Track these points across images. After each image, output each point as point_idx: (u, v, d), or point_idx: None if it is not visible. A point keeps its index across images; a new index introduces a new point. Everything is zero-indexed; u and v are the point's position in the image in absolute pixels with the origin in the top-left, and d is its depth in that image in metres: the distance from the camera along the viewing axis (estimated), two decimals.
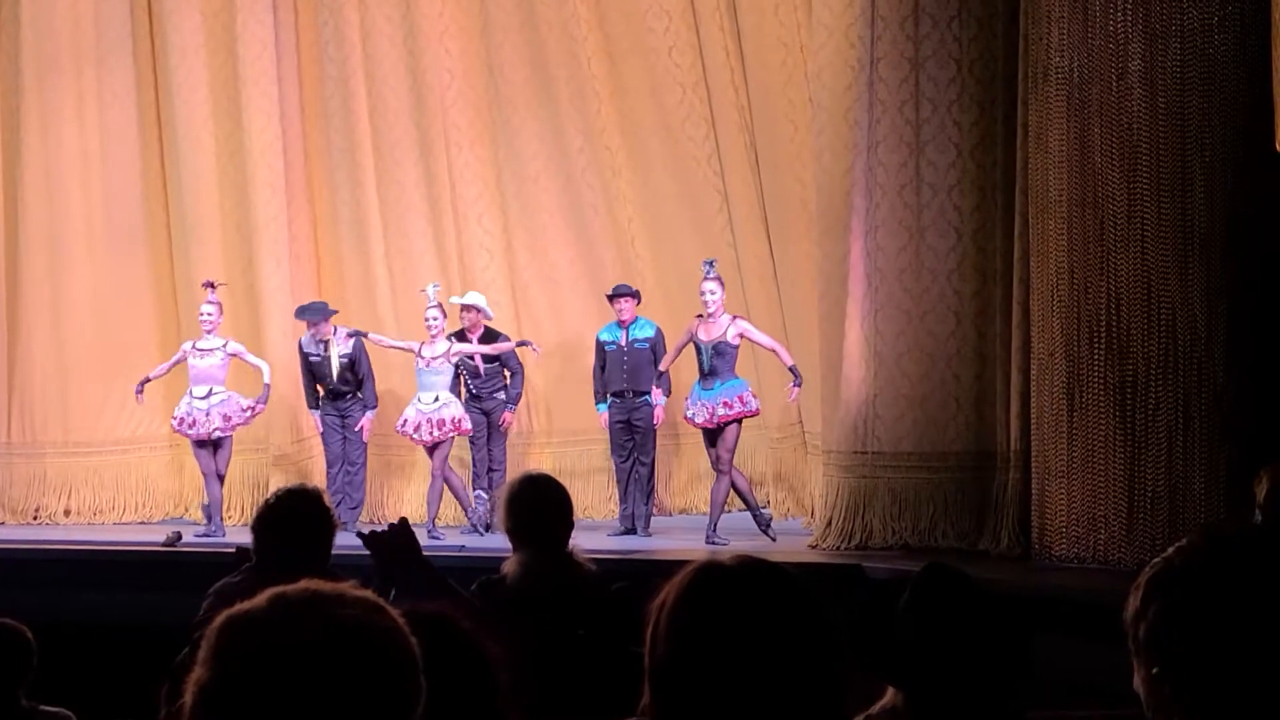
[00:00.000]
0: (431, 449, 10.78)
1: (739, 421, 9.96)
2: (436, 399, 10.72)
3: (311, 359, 11.13)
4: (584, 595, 4.53)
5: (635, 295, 10.69)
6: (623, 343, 10.57)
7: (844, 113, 9.44)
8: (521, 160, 11.81)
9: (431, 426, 10.69)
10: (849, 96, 9.41)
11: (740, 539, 9.80)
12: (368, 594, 1.70)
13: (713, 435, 9.99)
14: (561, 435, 11.84)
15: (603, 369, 10.65)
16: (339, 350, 11.02)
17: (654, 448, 10.68)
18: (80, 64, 12.27)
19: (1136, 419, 8.21)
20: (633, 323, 10.61)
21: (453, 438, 10.82)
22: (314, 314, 11.10)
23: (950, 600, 3.38)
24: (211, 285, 11.09)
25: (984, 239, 9.21)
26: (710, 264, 10.13)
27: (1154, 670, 1.76)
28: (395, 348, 11.10)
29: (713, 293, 9.96)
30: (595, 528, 10.54)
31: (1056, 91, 8.45)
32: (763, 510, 10.26)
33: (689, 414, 10.10)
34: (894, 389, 9.26)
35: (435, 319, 10.78)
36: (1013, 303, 8.93)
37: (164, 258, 12.31)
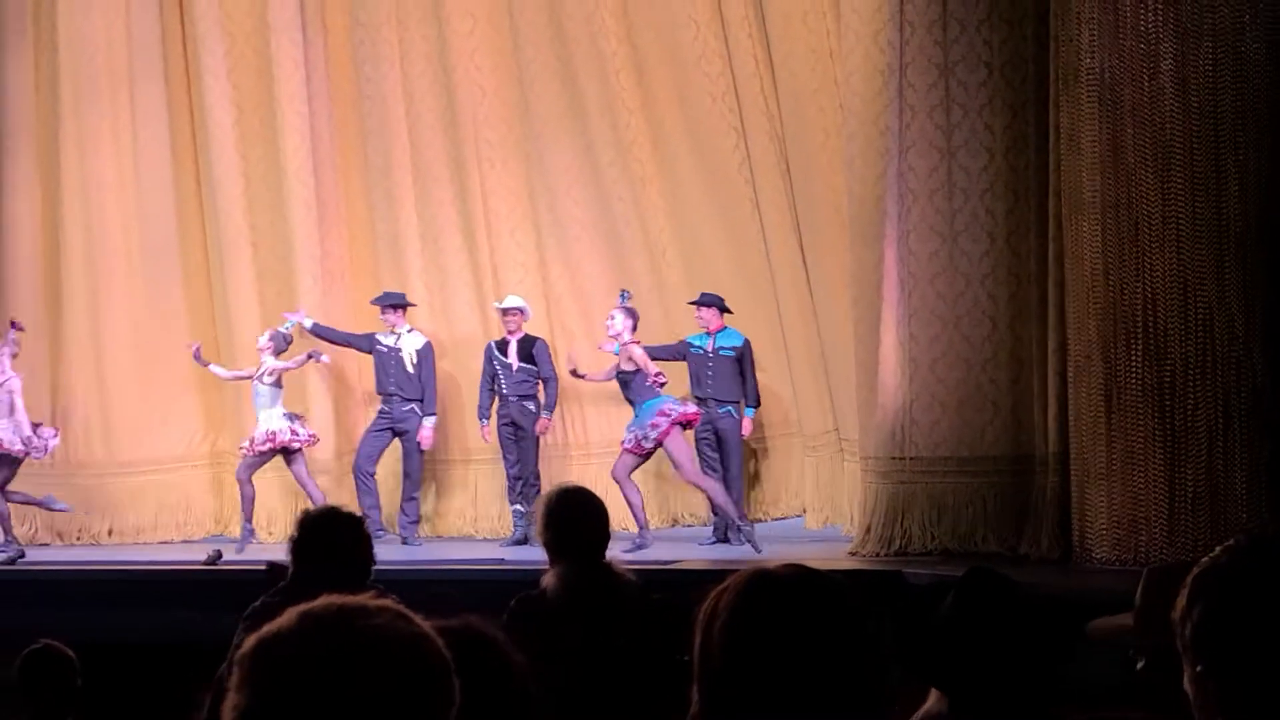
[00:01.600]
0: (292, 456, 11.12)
1: (677, 430, 10.23)
2: (265, 416, 11.07)
3: (379, 348, 11.26)
4: (624, 606, 4.53)
5: (715, 304, 10.70)
6: (709, 349, 10.62)
7: (874, 118, 9.42)
8: (553, 174, 11.83)
9: (265, 439, 11.02)
10: (879, 102, 9.39)
11: (775, 546, 9.78)
12: (391, 602, 1.71)
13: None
14: (600, 447, 11.83)
15: (690, 373, 10.74)
16: (412, 344, 11.21)
17: (740, 458, 10.70)
18: (115, 87, 12.36)
19: (1176, 419, 8.17)
20: (719, 331, 10.66)
21: (291, 450, 11.11)
22: (390, 299, 11.31)
23: (994, 604, 3.38)
24: (15, 326, 11.26)
25: (1018, 242, 9.18)
26: (621, 294, 10.62)
27: (1199, 668, 1.76)
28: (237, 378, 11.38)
29: (610, 318, 10.51)
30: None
31: (1088, 93, 8.42)
32: (740, 521, 10.23)
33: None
34: (930, 394, 9.23)
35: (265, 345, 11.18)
36: (1048, 305, 8.90)
37: (200, 278, 12.39)
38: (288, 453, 11.16)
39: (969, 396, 9.20)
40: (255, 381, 11.17)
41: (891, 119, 9.27)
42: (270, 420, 11.07)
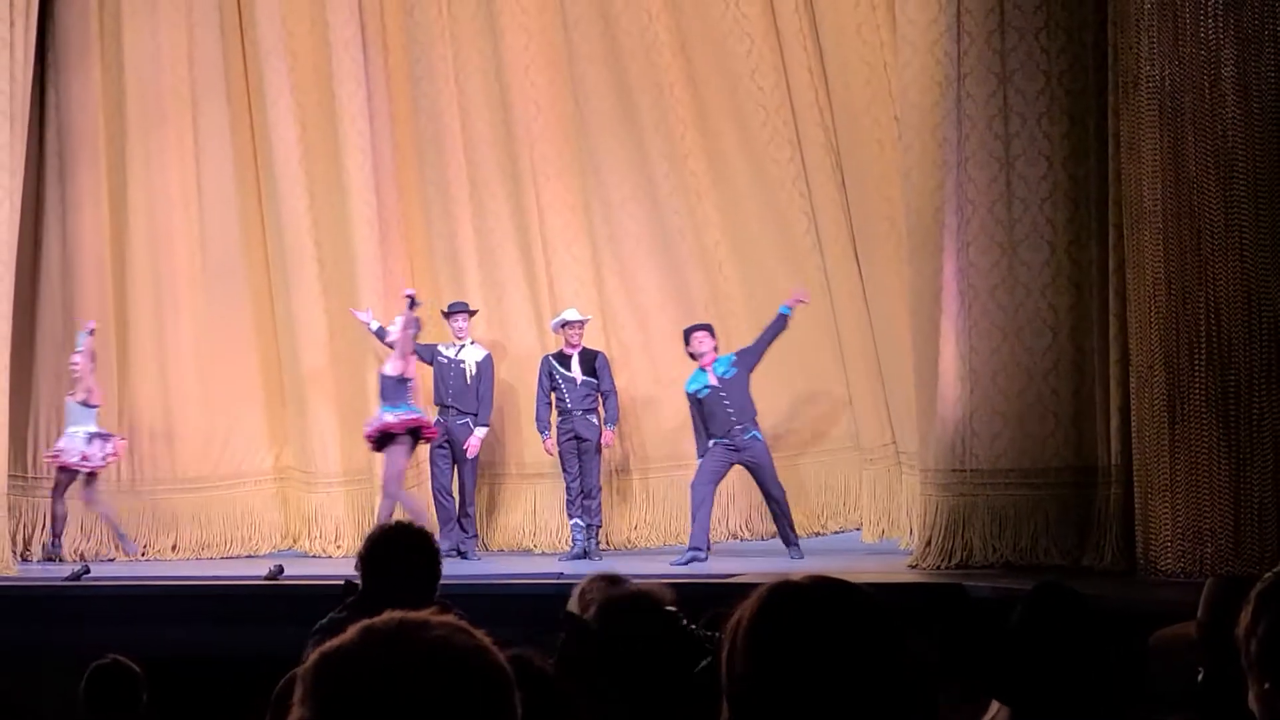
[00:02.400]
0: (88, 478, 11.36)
1: (405, 441, 10.98)
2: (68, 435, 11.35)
3: (440, 358, 11.36)
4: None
5: (706, 329, 10.76)
6: (715, 383, 10.53)
7: (932, 130, 9.39)
8: (608, 188, 11.86)
9: (91, 454, 11.26)
10: (936, 113, 9.35)
11: (832, 559, 9.73)
12: (452, 617, 1.73)
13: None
14: (657, 461, 11.83)
15: (705, 419, 10.56)
16: (473, 356, 11.36)
17: (776, 480, 10.54)
18: (180, 105, 12.52)
19: (1240, 429, 8.07)
20: (715, 362, 10.59)
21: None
22: (459, 306, 11.47)
23: (1063, 619, 3.36)
24: None
25: (1078, 251, 9.11)
26: (410, 301, 11.17)
27: (1266, 686, 1.73)
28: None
29: (392, 323, 11.23)
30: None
31: (1148, 101, 8.35)
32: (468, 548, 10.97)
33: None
34: (990, 405, 9.17)
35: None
36: (1109, 315, 8.82)
37: (264, 295, 12.50)
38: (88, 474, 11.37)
39: (1030, 408, 9.13)
40: (68, 398, 11.46)
41: (949, 130, 9.23)
42: (68, 439, 11.34)
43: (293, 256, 12.23)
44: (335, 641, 1.69)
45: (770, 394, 11.34)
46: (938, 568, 9.12)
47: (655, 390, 11.82)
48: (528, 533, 11.94)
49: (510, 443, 11.96)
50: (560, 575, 9.78)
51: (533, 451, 11.71)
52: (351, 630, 1.70)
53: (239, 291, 12.49)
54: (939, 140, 9.33)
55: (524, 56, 11.93)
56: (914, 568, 9.29)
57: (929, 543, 9.27)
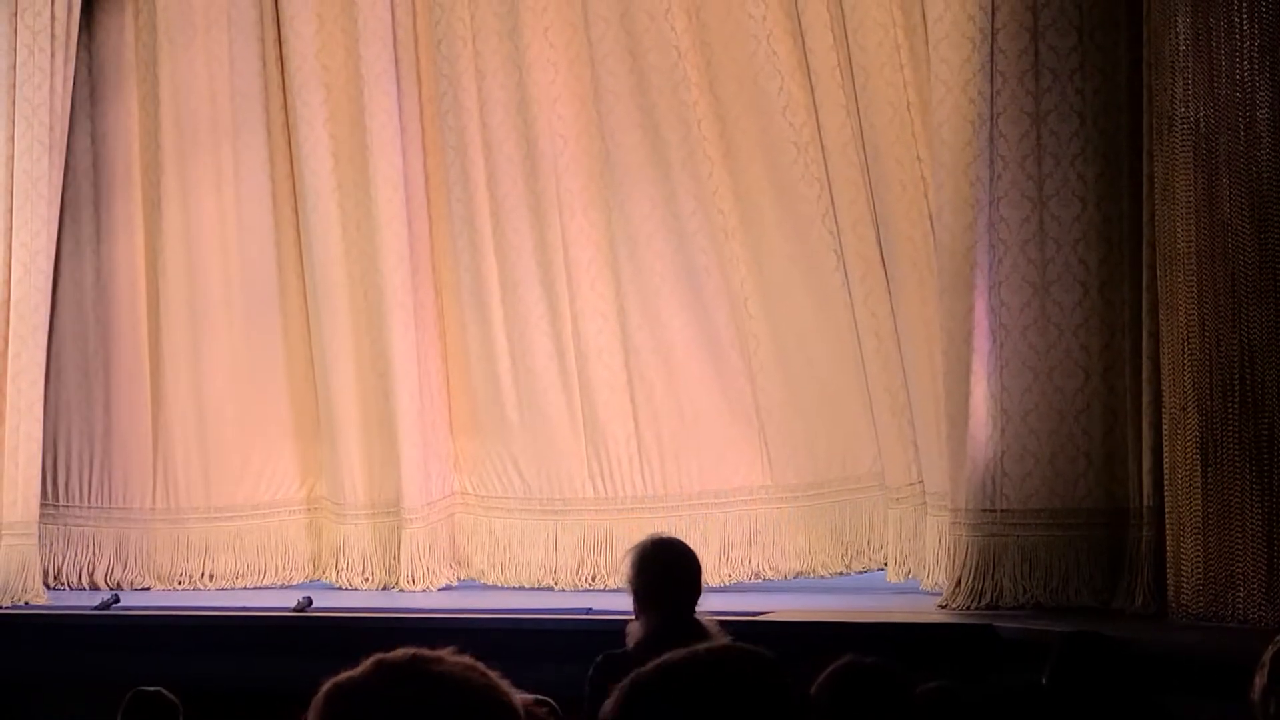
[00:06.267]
0: None
1: None
2: None
3: None
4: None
5: None
6: None
7: (964, 169, 9.39)
8: (634, 224, 11.82)
9: None
10: (968, 153, 9.36)
11: (857, 598, 9.68)
12: (466, 656, 1.74)
13: None
14: (687, 498, 11.79)
15: None
16: None
17: None
18: (217, 138, 12.60)
19: (1274, 474, 8.03)
20: None
21: None
22: None
23: (1097, 668, 3.34)
24: None
25: (1111, 292, 9.10)
26: None
27: None
28: None
29: None
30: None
31: (1182, 142, 8.34)
32: None
33: None
34: (1022, 446, 9.15)
35: None
36: (1142, 357, 8.80)
37: (299, 326, 12.53)
38: None
39: (1061, 448, 9.10)
40: None
41: (982, 169, 9.23)
42: None
43: (324, 288, 12.27)
44: (348, 673, 1.71)
45: (796, 431, 11.31)
46: (968, 608, 9.09)
47: (680, 428, 11.77)
48: (549, 568, 11.86)
49: (533, 478, 11.94)
50: (589, 610, 9.77)
51: (557, 486, 11.76)
52: (365, 662, 1.72)
53: (274, 322, 12.52)
54: (971, 179, 9.33)
55: (551, 91, 11.93)
56: (944, 608, 9.26)
57: (959, 583, 9.24)
